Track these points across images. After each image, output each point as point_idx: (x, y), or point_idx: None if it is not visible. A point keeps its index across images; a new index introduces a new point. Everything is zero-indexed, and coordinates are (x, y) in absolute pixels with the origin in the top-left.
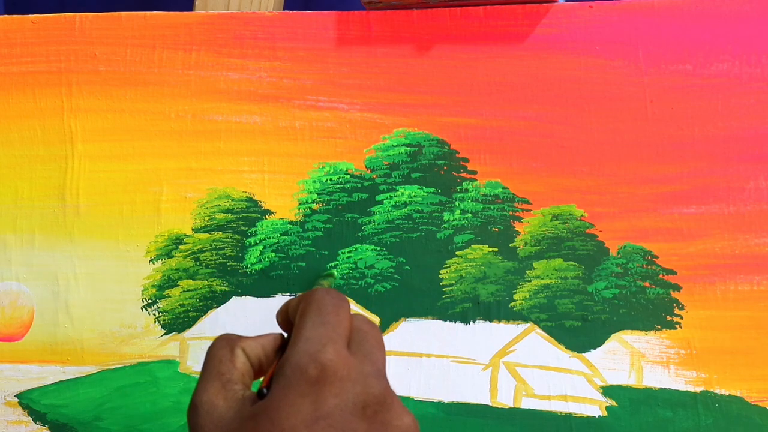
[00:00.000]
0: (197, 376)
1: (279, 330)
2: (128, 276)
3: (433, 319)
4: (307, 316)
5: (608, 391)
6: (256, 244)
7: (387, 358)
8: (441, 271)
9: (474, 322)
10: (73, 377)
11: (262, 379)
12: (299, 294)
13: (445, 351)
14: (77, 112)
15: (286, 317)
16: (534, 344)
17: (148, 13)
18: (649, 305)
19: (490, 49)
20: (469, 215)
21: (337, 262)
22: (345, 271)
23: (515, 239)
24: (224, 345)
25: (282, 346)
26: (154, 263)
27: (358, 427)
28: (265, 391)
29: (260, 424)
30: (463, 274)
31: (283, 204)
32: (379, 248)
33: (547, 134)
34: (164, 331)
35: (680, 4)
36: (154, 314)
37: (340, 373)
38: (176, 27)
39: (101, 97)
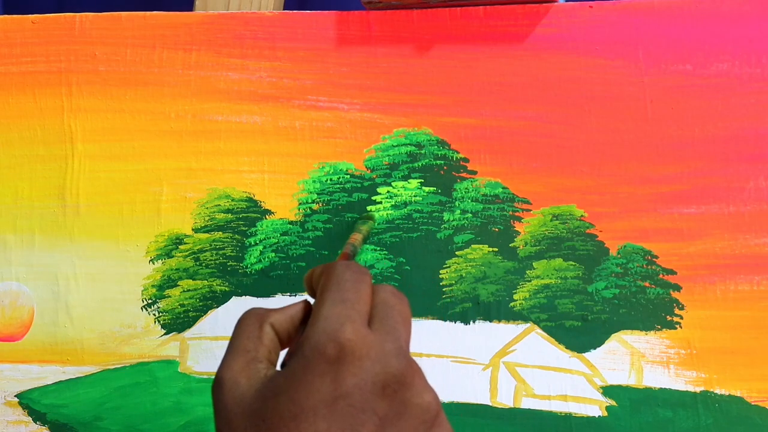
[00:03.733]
0: (197, 376)
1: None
2: (128, 276)
3: (433, 319)
4: (326, 292)
5: (608, 391)
6: (256, 244)
7: None
8: (441, 271)
9: (474, 322)
10: (73, 377)
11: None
12: (322, 264)
13: (445, 351)
14: (77, 112)
15: (310, 285)
16: (534, 344)
17: (148, 13)
18: (649, 305)
19: (490, 49)
20: (469, 215)
21: (377, 206)
22: None
23: (515, 239)
24: (253, 321)
25: (309, 314)
26: (154, 263)
27: (377, 406)
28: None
29: (281, 404)
30: (463, 274)
31: (283, 204)
32: (379, 248)
33: (547, 134)
34: (164, 331)
35: (680, 4)
36: (154, 314)
37: (358, 352)
38: (176, 27)
39: (101, 97)
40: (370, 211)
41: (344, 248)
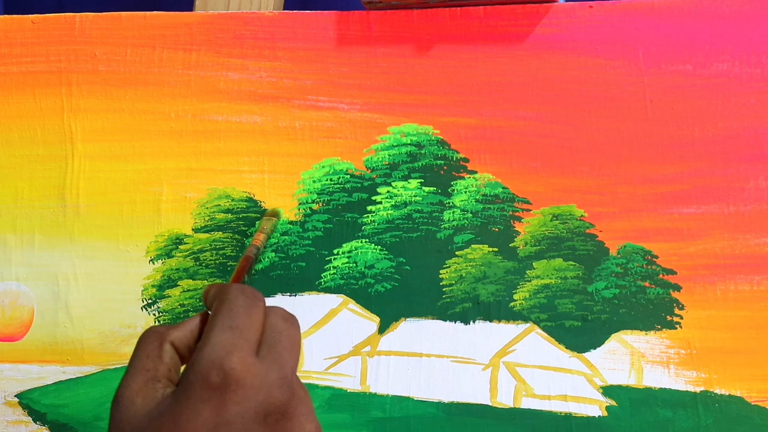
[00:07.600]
0: None
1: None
2: (128, 276)
3: (433, 319)
4: (217, 317)
5: (608, 391)
6: None
7: (387, 357)
8: (441, 271)
9: (474, 322)
10: (73, 377)
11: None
12: (217, 285)
13: (445, 351)
14: (77, 112)
15: (206, 302)
16: (534, 344)
17: (148, 13)
18: (649, 305)
19: (490, 49)
20: (469, 215)
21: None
22: (345, 271)
23: (515, 239)
24: (153, 339)
25: None
26: (154, 263)
27: None
28: None
29: (164, 426)
30: (463, 274)
31: (283, 204)
32: (379, 248)
33: (547, 134)
34: None
35: (680, 4)
36: (154, 314)
37: (242, 381)
38: (176, 27)
39: (101, 97)
40: (276, 208)
41: (247, 250)
